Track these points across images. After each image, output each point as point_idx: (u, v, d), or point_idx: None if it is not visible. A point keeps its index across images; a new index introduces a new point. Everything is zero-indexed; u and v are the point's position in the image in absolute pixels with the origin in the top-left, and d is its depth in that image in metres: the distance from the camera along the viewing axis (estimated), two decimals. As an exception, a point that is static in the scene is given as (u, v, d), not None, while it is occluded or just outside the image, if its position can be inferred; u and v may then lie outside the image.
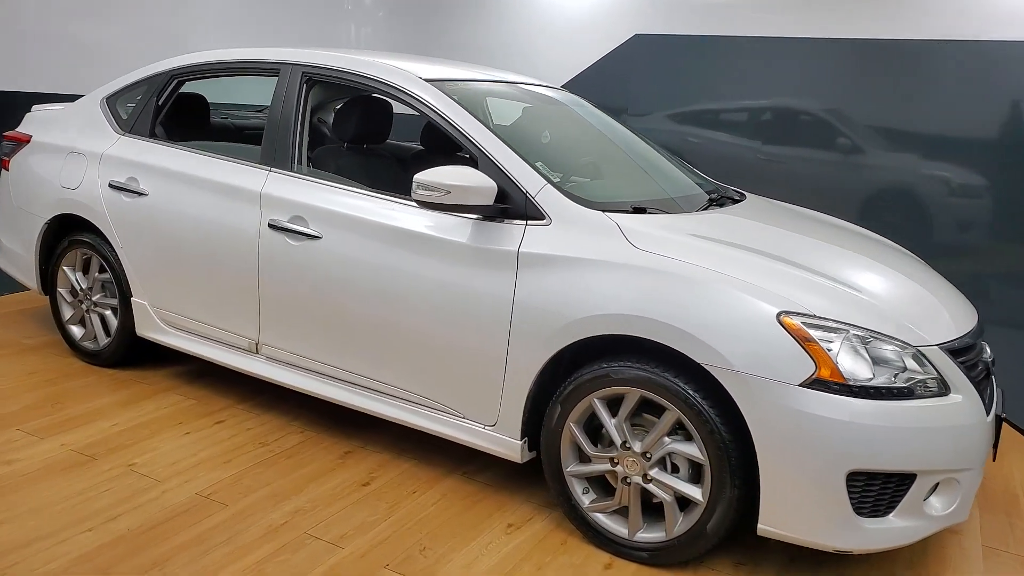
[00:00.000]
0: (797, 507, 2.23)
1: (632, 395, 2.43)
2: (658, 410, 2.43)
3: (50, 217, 3.78)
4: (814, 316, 2.23)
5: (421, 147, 4.04)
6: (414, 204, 2.81)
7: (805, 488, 2.21)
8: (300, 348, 3.12)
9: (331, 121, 4.72)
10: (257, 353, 3.28)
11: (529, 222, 2.61)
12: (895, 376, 2.22)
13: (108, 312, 3.75)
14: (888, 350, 2.23)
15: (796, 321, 2.21)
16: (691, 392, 2.32)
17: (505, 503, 2.81)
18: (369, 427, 3.30)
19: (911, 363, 2.25)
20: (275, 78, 3.27)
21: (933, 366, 2.28)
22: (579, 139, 3.49)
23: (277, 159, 3.17)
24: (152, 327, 3.58)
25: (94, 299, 3.77)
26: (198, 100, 3.95)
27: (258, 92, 5.13)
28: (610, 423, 2.49)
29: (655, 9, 6.49)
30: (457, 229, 2.70)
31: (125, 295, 3.62)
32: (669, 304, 2.32)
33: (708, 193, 3.18)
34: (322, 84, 3.26)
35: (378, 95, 3.18)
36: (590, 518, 2.57)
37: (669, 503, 2.43)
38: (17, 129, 4.06)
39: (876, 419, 2.16)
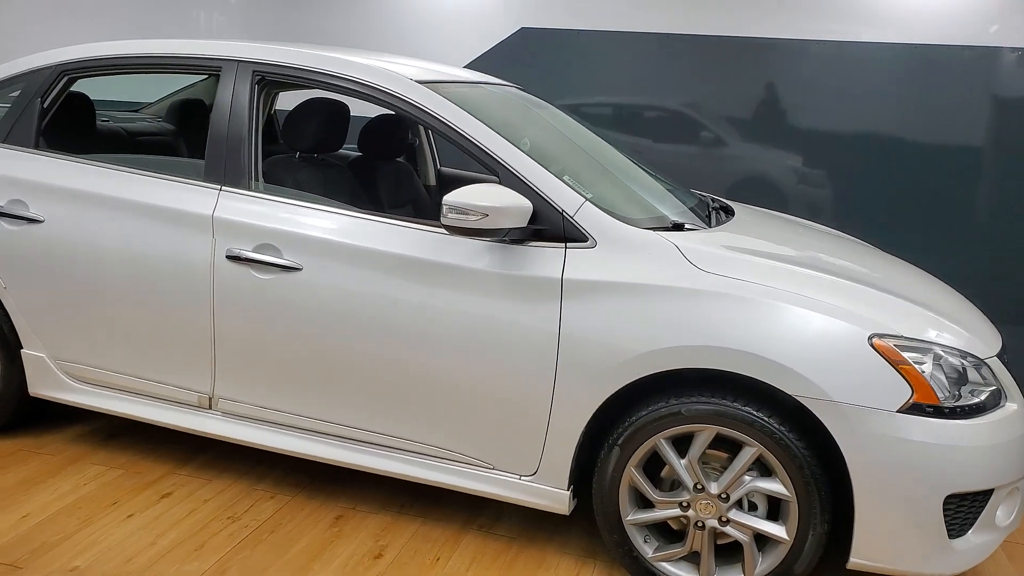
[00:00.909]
0: (894, 537, 2.13)
1: (705, 433, 2.22)
2: (729, 446, 2.24)
3: None
4: (902, 337, 2.13)
5: (359, 152, 3.58)
6: (416, 225, 2.44)
7: (903, 517, 2.11)
8: (272, 401, 2.63)
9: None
10: (210, 409, 2.73)
11: (569, 245, 2.32)
12: (972, 392, 2.18)
13: (-17, 368, 3.00)
14: (966, 366, 2.18)
15: (888, 344, 2.10)
16: (776, 426, 2.15)
17: (542, 559, 2.51)
18: (350, 482, 2.86)
19: (980, 376, 2.22)
20: (196, 76, 2.72)
21: (995, 377, 2.26)
22: (558, 146, 3.21)
23: (229, 176, 2.63)
24: (52, 383, 2.90)
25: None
26: (82, 101, 3.25)
27: (126, 89, 4.41)
28: (679, 464, 2.27)
29: (541, 2, 6.36)
30: (477, 254, 2.35)
31: (10, 347, 2.90)
32: (753, 332, 2.13)
33: (698, 202, 3.02)
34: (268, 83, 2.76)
35: (350, 97, 2.73)
36: (655, 568, 2.34)
37: (748, 544, 2.26)
38: None
39: (967, 439, 2.10)
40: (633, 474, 2.31)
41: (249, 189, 2.61)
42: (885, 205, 4.94)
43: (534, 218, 2.32)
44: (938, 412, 2.08)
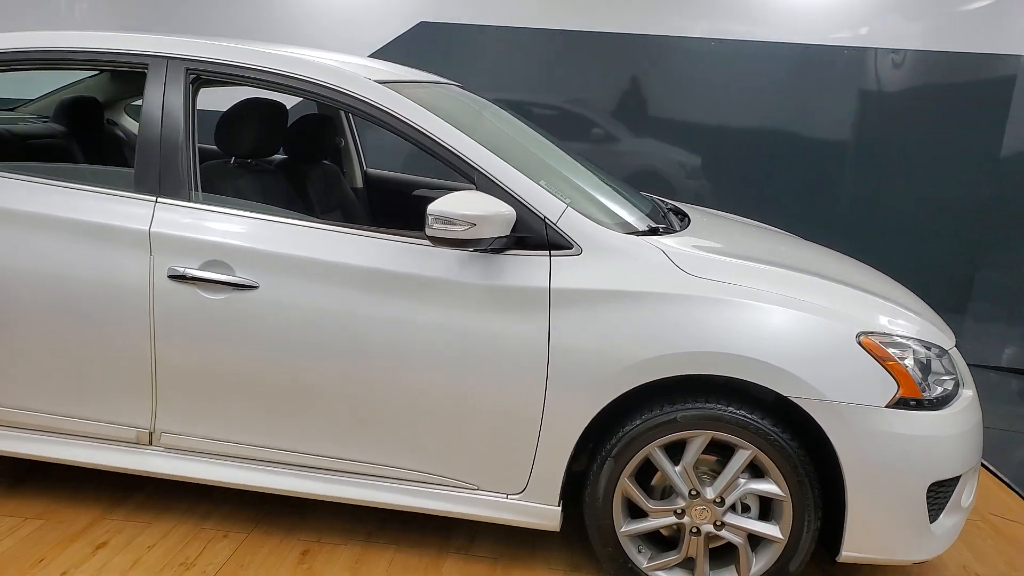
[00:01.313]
0: (882, 528, 2.20)
1: (700, 438, 2.20)
2: (717, 450, 2.24)
3: None
4: (885, 334, 2.19)
5: (284, 155, 3.32)
6: (387, 236, 2.28)
7: (892, 508, 2.18)
8: (225, 432, 2.39)
9: (122, 123, 3.77)
10: (150, 445, 2.45)
11: (553, 252, 2.23)
12: (936, 382, 2.27)
13: None
14: (931, 357, 2.27)
15: (875, 341, 2.15)
16: (769, 427, 2.16)
17: (528, 577, 2.43)
18: (305, 512, 2.65)
19: (942, 366, 2.32)
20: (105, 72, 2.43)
21: (955, 366, 2.37)
22: (512, 148, 3.11)
23: (165, 185, 2.36)
24: (-56, 427, 2.51)
25: None
26: None
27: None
28: (674, 472, 2.24)
29: (441, -4, 6.28)
30: (457, 265, 2.22)
31: None
32: (748, 336, 2.13)
33: (652, 204, 3.00)
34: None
35: (300, 98, 2.51)
36: (656, 579, 2.31)
37: (742, 546, 2.26)
38: None
39: (943, 429, 2.19)
40: (627, 485, 2.26)
41: (189, 200, 2.35)
42: (766, 196, 5.31)
43: (516, 226, 2.22)
44: (919, 405, 2.16)
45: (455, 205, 2.09)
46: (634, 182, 5.74)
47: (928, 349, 2.25)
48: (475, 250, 2.20)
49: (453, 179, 3.87)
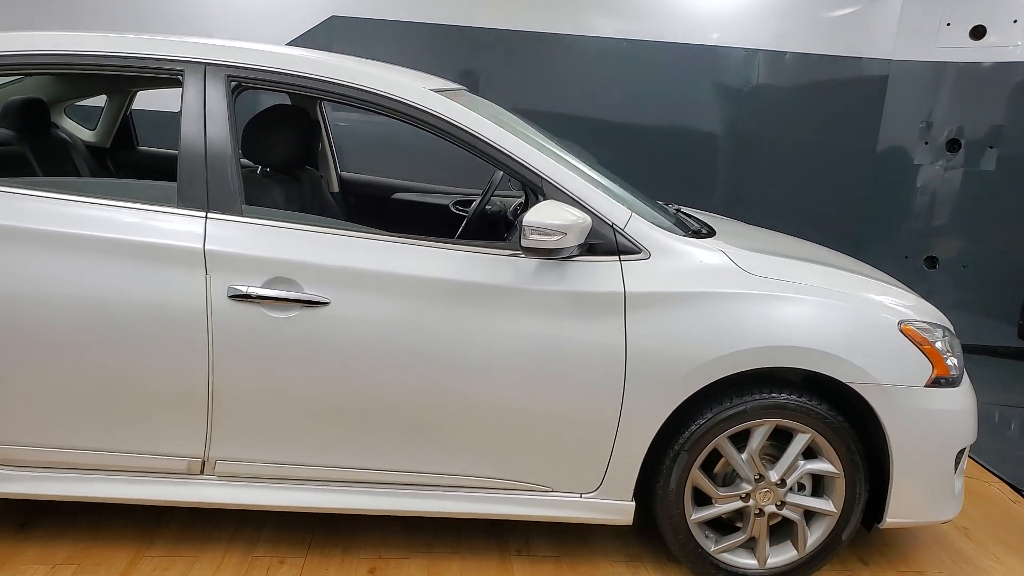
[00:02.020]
0: (920, 494, 2.44)
1: (764, 426, 2.36)
2: (774, 435, 2.41)
3: None
4: (920, 321, 2.43)
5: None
6: (459, 248, 2.27)
7: (928, 476, 2.43)
8: (287, 454, 2.30)
9: (63, 126, 3.48)
10: (202, 474, 2.32)
11: (623, 258, 2.31)
12: (956, 362, 2.54)
13: None
14: (946, 339, 2.54)
15: (913, 327, 2.38)
16: (827, 412, 2.35)
17: (594, 571, 2.50)
18: (353, 529, 2.60)
19: (952, 346, 2.59)
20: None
21: (953, 348, 2.66)
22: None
23: (214, 200, 2.23)
24: (-39, 473, 2.26)
25: None
26: None
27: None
28: (741, 459, 2.38)
29: (353, -10, 6.22)
30: (532, 274, 2.25)
31: None
32: (808, 329, 2.29)
33: (673, 209, 3.12)
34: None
35: (350, 108, 2.42)
36: (719, 561, 2.45)
37: (800, 521, 2.45)
38: None
39: (962, 402, 2.45)
40: (698, 475, 2.39)
41: (241, 214, 2.24)
42: (656, 190, 5.80)
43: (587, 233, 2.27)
44: (947, 382, 2.41)
45: (547, 216, 2.12)
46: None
47: (943, 332, 2.51)
48: (551, 258, 2.24)
49: (467, 183, 3.93)
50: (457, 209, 3.81)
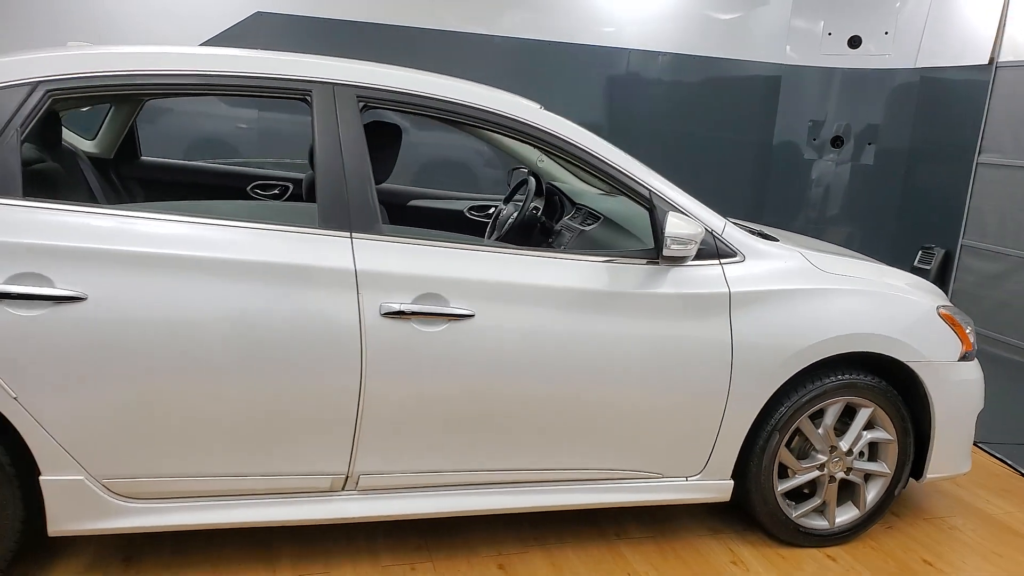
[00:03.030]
0: (951, 452, 2.88)
1: (838, 404, 2.70)
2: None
3: None
4: (948, 305, 2.85)
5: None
6: (585, 257, 2.44)
7: (957, 436, 2.87)
8: (429, 462, 2.38)
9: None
10: (343, 490, 2.35)
11: (723, 261, 2.56)
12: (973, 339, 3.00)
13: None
14: (966, 319, 2.99)
15: (947, 311, 2.81)
16: (887, 388, 2.73)
17: (696, 546, 2.75)
18: (461, 530, 2.71)
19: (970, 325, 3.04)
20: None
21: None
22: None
23: (356, 221, 2.26)
24: (93, 512, 2.16)
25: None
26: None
27: None
28: (818, 434, 2.71)
29: (278, -13, 6.18)
30: (650, 279, 2.46)
31: (12, 480, 2.09)
32: (878, 318, 2.65)
33: None
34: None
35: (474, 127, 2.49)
36: (799, 525, 2.77)
37: (862, 484, 2.82)
38: None
39: (978, 372, 2.91)
40: (784, 451, 2.69)
41: (380, 234, 2.28)
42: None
43: (690, 240, 2.51)
44: (970, 357, 2.86)
45: (682, 228, 2.34)
46: (435, 171, 6.49)
47: (964, 314, 2.96)
48: (680, 265, 2.46)
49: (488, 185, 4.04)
50: (472, 215, 3.92)
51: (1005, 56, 6.19)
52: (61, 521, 2.15)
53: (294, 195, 3.70)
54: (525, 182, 3.66)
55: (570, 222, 3.33)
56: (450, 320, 2.28)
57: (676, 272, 2.48)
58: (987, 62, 6.32)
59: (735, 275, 2.54)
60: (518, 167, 3.95)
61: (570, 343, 2.38)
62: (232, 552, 2.49)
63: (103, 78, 2.14)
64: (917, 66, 7.00)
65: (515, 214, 3.43)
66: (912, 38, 7.09)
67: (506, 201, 3.75)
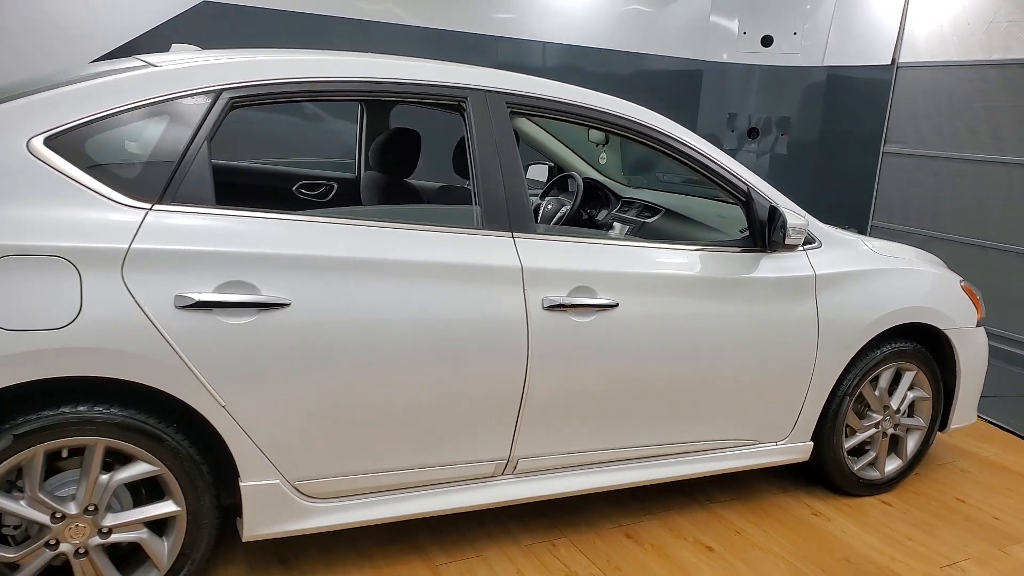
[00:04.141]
0: (967, 406, 3.36)
1: (890, 369, 3.10)
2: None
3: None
4: (965, 280, 3.32)
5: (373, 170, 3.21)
6: (704, 248, 2.69)
7: (973, 392, 3.35)
8: (571, 445, 2.56)
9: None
10: (503, 475, 2.49)
11: (806, 248, 2.88)
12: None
13: (145, 536, 2.07)
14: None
15: (967, 285, 3.27)
16: (927, 353, 3.16)
17: (778, 504, 3.08)
18: (569, 508, 2.90)
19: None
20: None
21: None
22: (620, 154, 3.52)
23: (515, 221, 2.39)
24: (286, 514, 2.20)
25: (109, 525, 2.01)
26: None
27: None
28: (875, 396, 3.10)
29: (226, -24, 6.08)
30: (749, 264, 2.74)
31: (198, 489, 2.09)
32: (925, 293, 3.07)
33: None
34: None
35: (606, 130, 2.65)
36: (859, 476, 3.16)
37: (904, 437, 3.24)
38: None
39: (986, 337, 3.42)
40: (851, 413, 3.06)
41: (535, 232, 2.43)
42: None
43: (779, 229, 2.82)
44: (981, 323, 3.35)
45: (798, 220, 2.65)
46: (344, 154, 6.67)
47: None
48: (790, 252, 2.77)
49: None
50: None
51: (905, 57, 6.97)
52: (256, 525, 2.16)
53: (339, 194, 3.71)
54: (565, 178, 3.85)
55: (622, 214, 3.57)
56: (599, 310, 2.46)
57: (773, 259, 2.78)
58: (889, 62, 7.08)
59: (817, 260, 2.87)
60: (535, 163, 4.13)
61: (695, 326, 2.62)
62: (379, 548, 2.56)
63: (278, 85, 2.16)
64: (824, 64, 7.71)
65: (565, 207, 3.63)
66: (819, 39, 7.80)
67: (542, 196, 3.92)
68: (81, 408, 1.92)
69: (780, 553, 2.73)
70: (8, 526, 1.99)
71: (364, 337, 2.15)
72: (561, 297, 2.39)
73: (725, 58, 8.12)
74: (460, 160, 2.73)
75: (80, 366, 1.86)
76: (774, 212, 2.70)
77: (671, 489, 3.09)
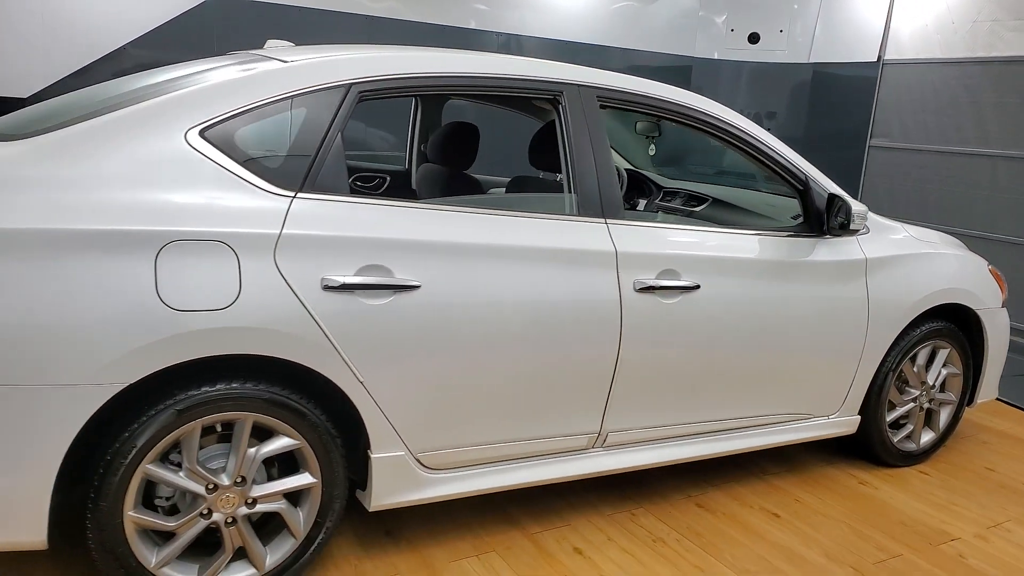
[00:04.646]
0: (992, 380, 3.62)
1: (927, 347, 3.34)
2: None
3: (130, 382, 1.90)
4: (989, 263, 3.58)
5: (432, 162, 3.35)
6: (769, 233, 2.87)
7: (998, 367, 3.61)
8: (655, 419, 2.73)
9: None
10: (593, 448, 2.65)
11: (858, 234, 3.10)
12: None
13: (285, 507, 2.19)
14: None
15: (993, 268, 3.52)
16: (959, 332, 3.40)
17: (826, 476, 3.29)
18: (632, 480, 3.08)
19: None
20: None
21: None
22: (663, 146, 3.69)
23: (607, 208, 2.55)
24: (408, 485, 2.34)
25: (245, 501, 2.13)
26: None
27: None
28: (914, 372, 3.34)
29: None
30: (814, 249, 2.94)
31: (333, 462, 2.21)
32: (957, 277, 3.31)
33: None
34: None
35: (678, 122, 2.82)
36: (899, 448, 3.39)
37: (937, 410, 3.49)
38: None
39: (1008, 317, 3.68)
40: (893, 389, 3.29)
41: (624, 219, 2.59)
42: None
43: (833, 217, 3.02)
44: (1003, 304, 3.61)
45: (861, 207, 2.87)
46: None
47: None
48: (851, 236, 2.98)
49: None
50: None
51: (890, 54, 7.28)
52: (383, 496, 2.29)
53: (392, 185, 3.82)
54: None
55: (665, 203, 3.75)
56: (683, 292, 2.64)
57: (829, 244, 2.98)
58: (875, 59, 7.39)
59: (867, 245, 3.08)
60: None
61: (765, 307, 2.81)
62: (476, 519, 2.70)
63: (400, 79, 2.29)
64: (811, 61, 8.01)
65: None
66: (806, 36, 8.09)
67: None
68: (234, 385, 2.03)
69: (840, 518, 2.94)
70: (160, 497, 2.09)
71: (482, 317, 2.29)
72: (651, 279, 2.56)
73: (716, 56, 8.38)
74: (537, 151, 2.86)
75: (240, 344, 1.98)
76: (834, 199, 2.90)
77: (726, 463, 3.28)
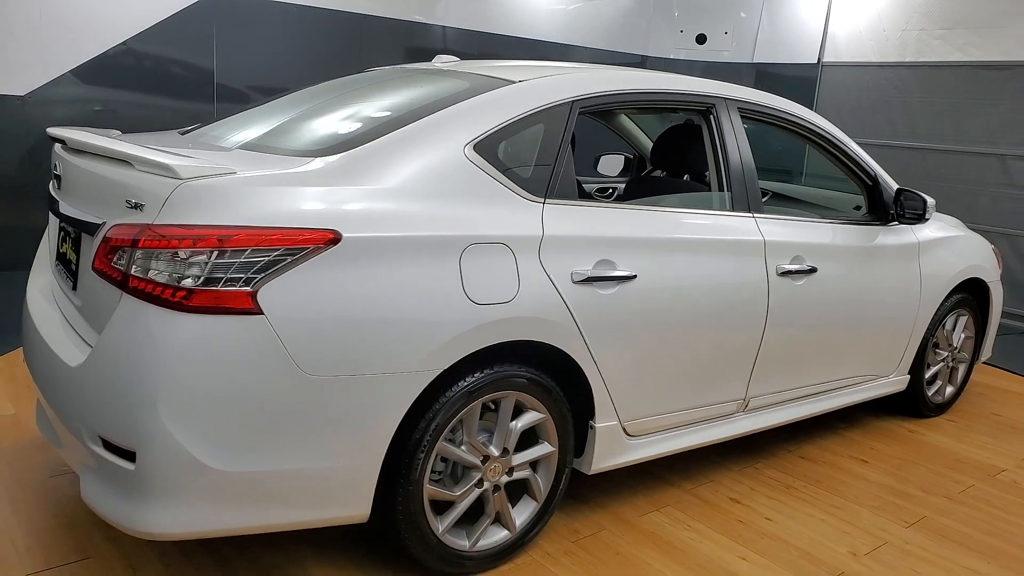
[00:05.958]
0: (990, 342, 4.31)
1: (954, 316, 3.97)
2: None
3: (444, 367, 2.16)
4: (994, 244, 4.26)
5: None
6: (849, 223, 3.39)
7: (994, 330, 4.31)
8: (782, 384, 3.19)
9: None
10: (737, 413, 3.08)
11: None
12: None
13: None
14: None
15: (994, 246, 4.21)
16: (975, 301, 4.06)
17: (882, 428, 3.86)
18: (745, 444, 3.53)
19: None
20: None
21: None
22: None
23: (752, 204, 2.98)
24: (617, 450, 2.68)
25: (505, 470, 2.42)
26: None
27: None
28: (944, 336, 3.96)
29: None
30: (876, 235, 3.48)
31: (567, 432, 2.54)
32: (979, 254, 3.96)
33: None
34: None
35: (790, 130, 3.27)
36: (930, 400, 4.01)
37: (957, 369, 4.14)
38: (259, 225, 1.89)
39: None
40: (930, 351, 3.91)
41: (764, 213, 3.03)
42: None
43: (893, 207, 3.58)
44: (999, 277, 4.30)
45: (930, 200, 3.40)
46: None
47: None
48: (856, 223, 3.50)
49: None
50: (598, 197, 4.60)
51: (828, 57, 8.08)
52: (600, 460, 2.63)
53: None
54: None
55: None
56: (807, 275, 3.10)
57: (891, 231, 3.53)
58: (815, 61, 8.17)
59: (917, 231, 3.66)
60: (606, 154, 4.69)
61: (859, 285, 3.32)
62: (638, 483, 3.06)
63: (606, 96, 2.62)
64: (754, 61, 8.73)
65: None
66: (748, 38, 8.80)
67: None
68: (506, 367, 2.31)
69: (912, 459, 3.51)
70: (435, 472, 2.34)
71: (680, 301, 2.67)
72: (787, 264, 3.01)
73: (671, 56, 8.97)
74: (659, 152, 3.27)
75: (522, 332, 2.27)
76: (901, 192, 3.45)
77: (803, 423, 3.79)
